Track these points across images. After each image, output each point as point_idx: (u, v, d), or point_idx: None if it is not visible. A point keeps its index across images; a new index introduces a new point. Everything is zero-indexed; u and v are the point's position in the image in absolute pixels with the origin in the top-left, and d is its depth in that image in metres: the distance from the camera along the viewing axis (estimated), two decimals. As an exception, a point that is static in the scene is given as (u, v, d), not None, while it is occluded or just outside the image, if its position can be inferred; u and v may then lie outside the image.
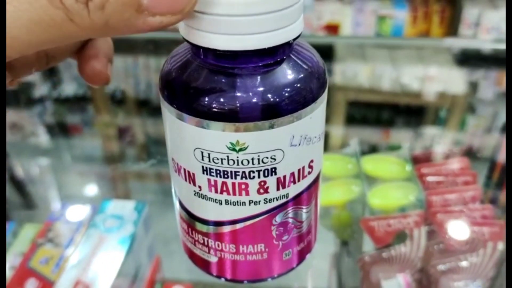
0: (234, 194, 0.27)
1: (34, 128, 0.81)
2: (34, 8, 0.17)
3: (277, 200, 0.28)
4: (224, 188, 0.27)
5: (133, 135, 0.78)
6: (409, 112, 1.03)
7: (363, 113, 1.09)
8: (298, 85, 0.26)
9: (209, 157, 0.26)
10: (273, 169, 0.26)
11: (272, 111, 0.25)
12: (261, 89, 0.25)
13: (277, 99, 0.25)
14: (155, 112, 0.75)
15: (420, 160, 0.49)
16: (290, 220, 0.29)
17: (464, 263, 0.40)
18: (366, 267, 0.41)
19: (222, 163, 0.26)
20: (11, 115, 0.80)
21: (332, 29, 1.53)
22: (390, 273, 0.41)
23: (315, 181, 0.29)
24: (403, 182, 0.46)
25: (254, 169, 0.26)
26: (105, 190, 0.67)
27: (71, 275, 0.42)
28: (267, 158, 0.26)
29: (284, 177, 0.27)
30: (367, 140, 0.88)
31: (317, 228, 0.33)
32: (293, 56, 0.26)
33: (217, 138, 0.25)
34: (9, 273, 0.43)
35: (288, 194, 0.28)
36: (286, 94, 0.25)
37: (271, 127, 0.25)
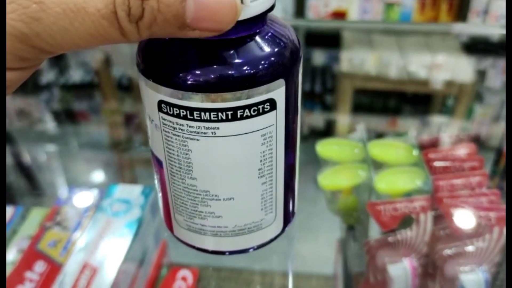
0: None
1: (41, 114, 0.81)
2: (95, 26, 0.20)
3: None
4: None
5: (140, 122, 0.78)
6: (416, 101, 1.02)
7: (369, 101, 1.09)
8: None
9: None
10: None
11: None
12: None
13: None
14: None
15: (427, 146, 0.49)
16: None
17: (470, 248, 0.40)
18: (372, 251, 0.41)
19: None
20: (18, 102, 0.80)
21: (339, 16, 1.52)
22: (396, 258, 0.41)
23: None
24: (410, 167, 0.46)
25: None
26: (112, 176, 0.67)
27: (79, 258, 0.42)
28: None
29: None
30: (374, 129, 0.88)
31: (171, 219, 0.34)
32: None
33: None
34: (17, 256, 0.43)
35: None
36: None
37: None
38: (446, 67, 0.97)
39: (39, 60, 0.21)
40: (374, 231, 0.45)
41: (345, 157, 0.47)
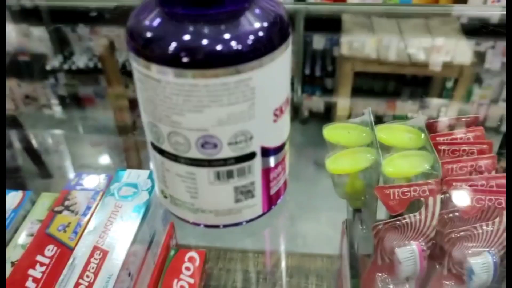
0: None
1: (47, 99, 0.81)
2: None
3: None
4: None
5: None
6: (416, 83, 1.02)
7: (370, 84, 1.09)
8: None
9: None
10: None
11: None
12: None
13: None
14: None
15: (435, 129, 0.49)
16: None
17: (478, 232, 0.40)
18: (380, 235, 0.42)
19: None
20: (25, 87, 0.80)
21: (339, 0, 1.51)
22: (404, 241, 0.41)
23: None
24: (418, 150, 0.46)
25: None
26: (118, 160, 0.67)
27: (89, 241, 0.43)
28: None
29: None
30: (374, 111, 0.88)
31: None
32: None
33: None
34: (28, 240, 0.43)
35: None
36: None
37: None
38: (446, 50, 0.97)
39: None
40: (382, 214, 0.45)
41: (352, 141, 0.47)
